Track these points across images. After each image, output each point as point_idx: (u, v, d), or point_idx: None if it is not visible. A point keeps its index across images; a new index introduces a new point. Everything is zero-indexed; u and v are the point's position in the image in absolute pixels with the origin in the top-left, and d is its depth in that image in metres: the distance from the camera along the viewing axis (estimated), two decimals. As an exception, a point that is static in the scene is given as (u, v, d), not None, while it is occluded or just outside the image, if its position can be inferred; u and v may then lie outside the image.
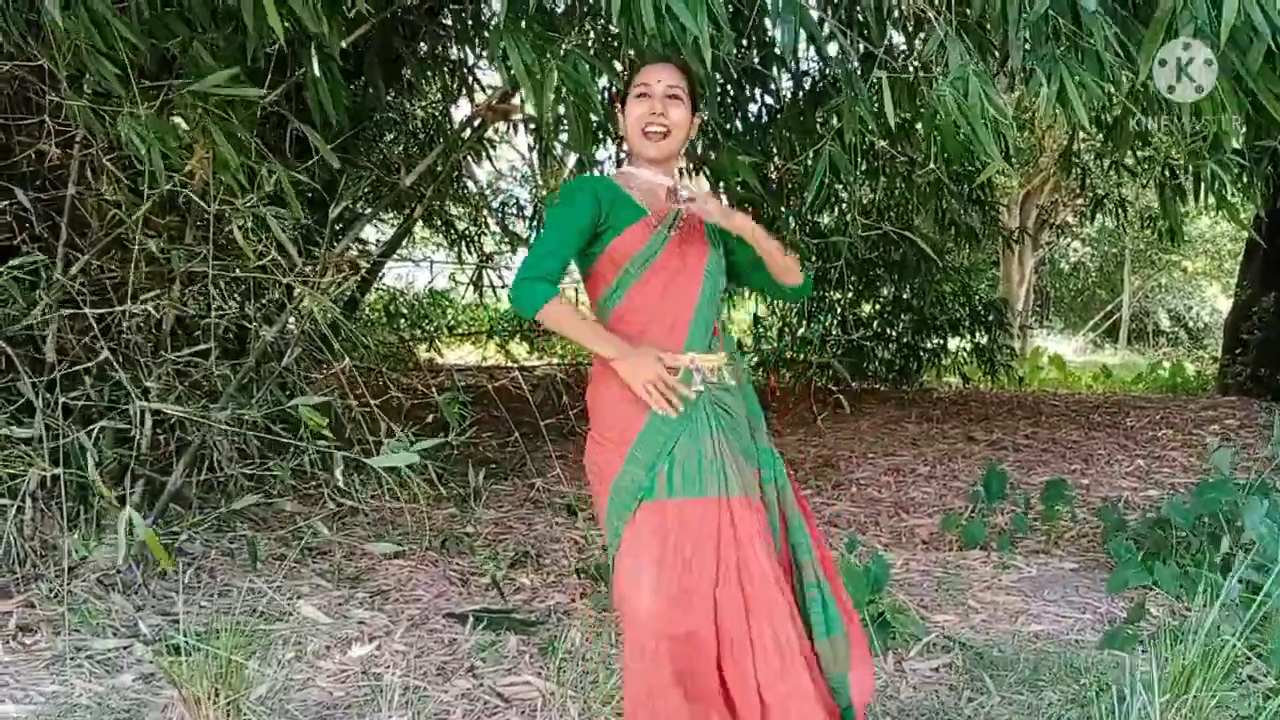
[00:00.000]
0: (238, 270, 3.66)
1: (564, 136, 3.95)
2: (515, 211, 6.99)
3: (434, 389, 3.95)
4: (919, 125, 3.31)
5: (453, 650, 3.21)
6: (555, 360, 12.20)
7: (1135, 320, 22.40)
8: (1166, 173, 5.52)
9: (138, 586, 3.61)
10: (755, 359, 8.74)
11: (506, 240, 7.52)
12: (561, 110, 3.28)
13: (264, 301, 3.78)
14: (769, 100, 4.41)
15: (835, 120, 3.18)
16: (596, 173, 4.17)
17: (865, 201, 7.45)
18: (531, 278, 2.17)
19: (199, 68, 2.97)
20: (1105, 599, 3.71)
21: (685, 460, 2.20)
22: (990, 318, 9.67)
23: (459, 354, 13.26)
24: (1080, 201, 14.25)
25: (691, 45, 2.55)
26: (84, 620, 3.27)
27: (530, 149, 6.25)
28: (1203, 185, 5.63)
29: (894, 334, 9.75)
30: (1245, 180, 6.30)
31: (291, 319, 3.81)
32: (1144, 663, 2.77)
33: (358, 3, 2.69)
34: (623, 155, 4.63)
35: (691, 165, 3.93)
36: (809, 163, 3.40)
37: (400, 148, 5.62)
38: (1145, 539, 4.03)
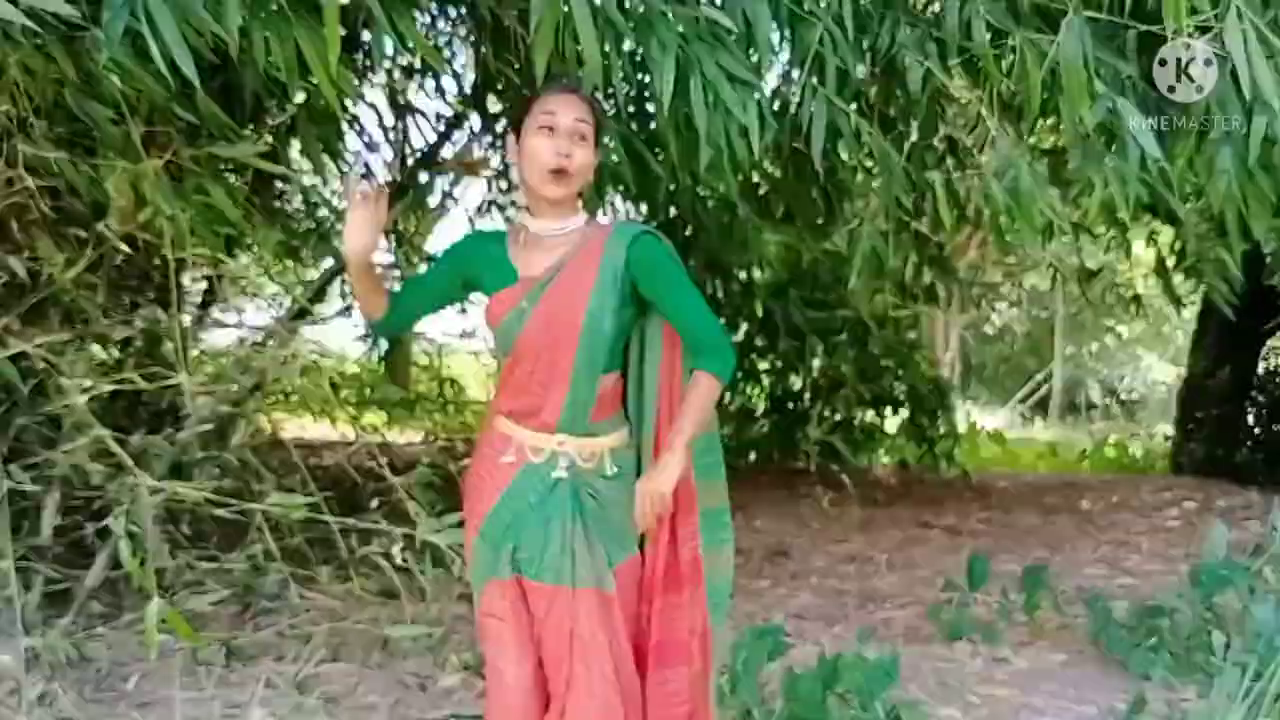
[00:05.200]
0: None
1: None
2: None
3: (389, 469, 4.21)
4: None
5: (437, 758, 3.46)
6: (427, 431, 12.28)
7: (1065, 391, 23.63)
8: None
9: (51, 699, 3.73)
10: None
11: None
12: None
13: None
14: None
15: (866, 205, 3.63)
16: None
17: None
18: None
19: (198, 116, 3.21)
20: (1105, 692, 4.21)
21: (531, 543, 2.50)
22: (933, 398, 10.09)
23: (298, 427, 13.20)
24: (1011, 260, 15.18)
25: (739, 133, 2.96)
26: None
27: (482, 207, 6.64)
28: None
29: (825, 411, 10.16)
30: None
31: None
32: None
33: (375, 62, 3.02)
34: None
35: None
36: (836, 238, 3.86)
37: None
38: (1135, 629, 4.57)
